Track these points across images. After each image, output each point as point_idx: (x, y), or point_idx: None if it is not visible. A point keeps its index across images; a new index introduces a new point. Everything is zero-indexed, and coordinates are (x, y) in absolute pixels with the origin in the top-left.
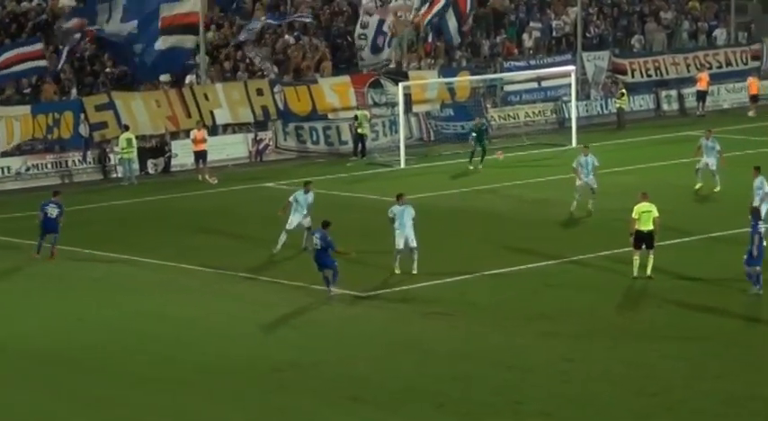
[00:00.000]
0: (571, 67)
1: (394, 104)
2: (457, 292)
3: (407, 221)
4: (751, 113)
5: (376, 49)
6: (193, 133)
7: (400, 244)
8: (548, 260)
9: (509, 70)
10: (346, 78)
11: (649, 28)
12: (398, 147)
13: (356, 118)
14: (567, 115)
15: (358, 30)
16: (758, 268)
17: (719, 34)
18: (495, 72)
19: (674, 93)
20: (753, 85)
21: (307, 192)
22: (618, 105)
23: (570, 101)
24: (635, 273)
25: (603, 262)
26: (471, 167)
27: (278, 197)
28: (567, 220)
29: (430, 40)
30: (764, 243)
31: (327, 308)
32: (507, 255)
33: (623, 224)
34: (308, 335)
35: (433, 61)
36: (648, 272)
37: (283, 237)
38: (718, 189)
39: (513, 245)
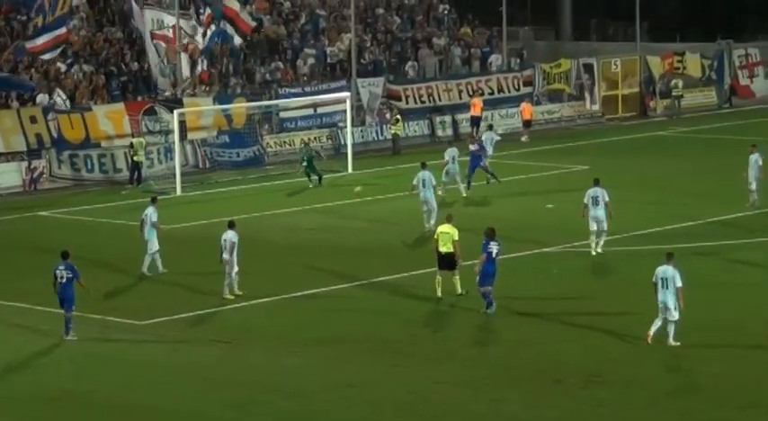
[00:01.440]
0: (346, 94)
1: (168, 132)
2: (242, 318)
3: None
4: (524, 139)
5: (161, 79)
6: None
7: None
8: (338, 284)
9: (284, 97)
10: (120, 106)
11: (422, 54)
12: (174, 175)
13: (131, 145)
14: (342, 141)
15: (154, 57)
16: (489, 288)
17: (495, 60)
18: (270, 99)
19: (448, 118)
20: (526, 110)
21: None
22: (393, 131)
23: (346, 127)
24: (438, 294)
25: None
26: (311, 186)
27: (53, 226)
28: (354, 247)
29: (204, 67)
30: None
31: (106, 336)
32: (294, 281)
33: (406, 249)
34: (84, 363)
35: (207, 88)
36: (459, 290)
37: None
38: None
39: (297, 271)
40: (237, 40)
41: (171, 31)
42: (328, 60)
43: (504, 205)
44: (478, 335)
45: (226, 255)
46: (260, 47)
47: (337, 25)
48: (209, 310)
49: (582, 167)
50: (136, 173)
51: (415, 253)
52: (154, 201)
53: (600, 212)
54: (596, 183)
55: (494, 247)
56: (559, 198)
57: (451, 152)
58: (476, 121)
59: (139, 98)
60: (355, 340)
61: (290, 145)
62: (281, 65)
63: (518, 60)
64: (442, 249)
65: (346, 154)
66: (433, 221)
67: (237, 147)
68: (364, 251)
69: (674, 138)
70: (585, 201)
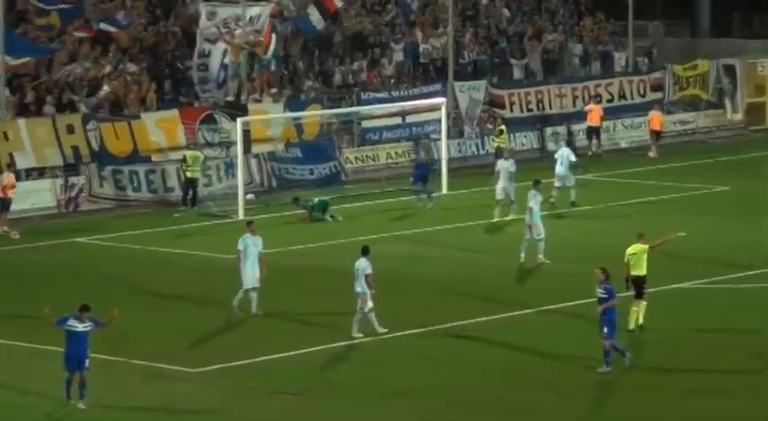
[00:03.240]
0: (441, 100)
1: (230, 144)
2: (315, 366)
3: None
4: (651, 154)
5: (221, 83)
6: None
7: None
8: (423, 326)
9: (368, 103)
10: (174, 113)
11: (532, 53)
12: (236, 195)
13: (184, 159)
14: (436, 156)
15: (195, 59)
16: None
17: (618, 60)
18: (351, 105)
19: (561, 129)
20: (655, 119)
21: (253, 233)
22: (496, 144)
23: (440, 139)
24: (631, 326)
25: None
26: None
27: (92, 254)
28: (445, 281)
29: (273, 67)
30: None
31: (150, 384)
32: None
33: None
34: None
35: (277, 92)
36: (640, 320)
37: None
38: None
39: (378, 309)
40: (318, 23)
41: (223, 24)
42: (420, 60)
43: (620, 231)
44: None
45: (358, 288)
46: (340, 43)
47: (432, 18)
48: (277, 356)
49: (721, 188)
50: (190, 192)
51: (516, 290)
52: (249, 224)
53: None
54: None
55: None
56: (694, 224)
57: (564, 153)
58: (594, 132)
59: (196, 104)
60: (443, 393)
61: (374, 160)
62: (364, 65)
63: (646, 60)
64: (634, 273)
65: (440, 171)
66: (540, 254)
67: (311, 162)
68: (456, 286)
69: None
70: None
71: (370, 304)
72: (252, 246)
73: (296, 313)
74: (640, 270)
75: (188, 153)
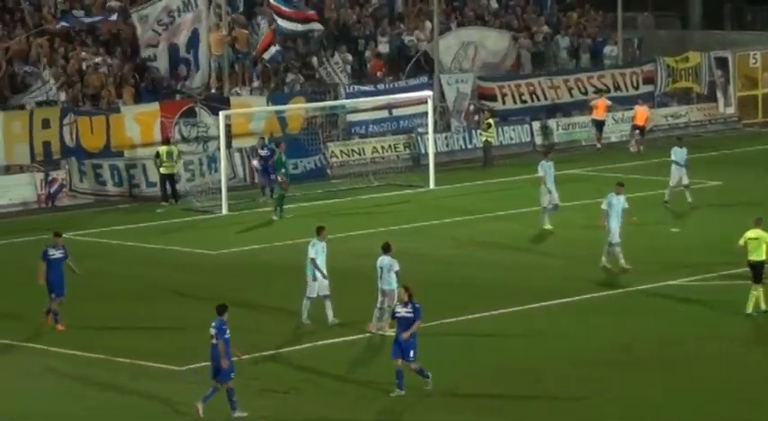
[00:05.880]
0: (428, 93)
1: (207, 139)
2: (309, 362)
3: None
4: (632, 149)
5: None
6: None
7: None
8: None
9: (353, 96)
10: (154, 106)
11: (522, 44)
12: (219, 190)
13: (157, 154)
14: (423, 150)
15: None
16: None
17: (609, 52)
18: (335, 98)
19: (552, 122)
20: (639, 114)
21: (322, 239)
22: (484, 138)
23: (427, 133)
24: (749, 310)
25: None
26: (275, 217)
27: (73, 251)
28: (431, 275)
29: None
30: None
31: (137, 382)
32: (363, 315)
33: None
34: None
35: (260, 85)
36: (762, 306)
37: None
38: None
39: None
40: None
41: (158, 23)
42: (406, 52)
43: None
44: None
45: (385, 286)
46: (323, 35)
47: (418, 8)
48: (266, 353)
49: (714, 183)
50: (168, 187)
51: (514, 286)
52: (320, 230)
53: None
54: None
55: None
56: (686, 220)
57: (679, 153)
58: (599, 126)
59: (178, 97)
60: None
61: (360, 154)
62: (349, 57)
63: (637, 52)
64: (752, 257)
65: (427, 166)
66: (622, 261)
67: (295, 156)
68: (444, 283)
69: None
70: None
71: (396, 303)
72: (321, 253)
73: (287, 311)
74: (759, 255)
75: (161, 149)
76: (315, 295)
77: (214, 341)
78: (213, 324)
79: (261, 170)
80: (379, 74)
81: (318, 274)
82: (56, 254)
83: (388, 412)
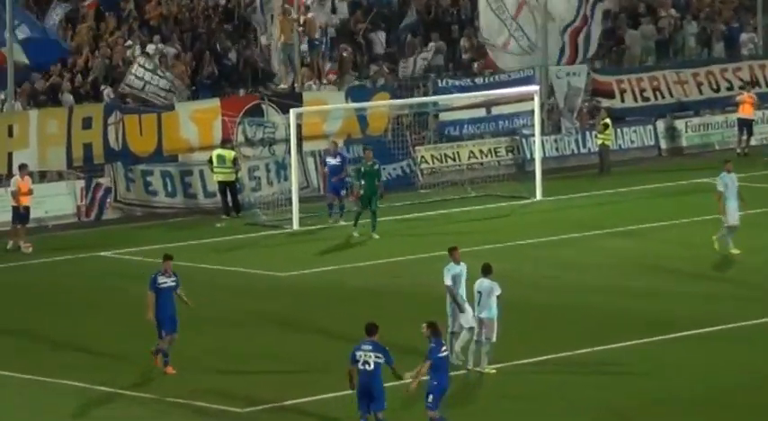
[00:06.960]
0: (534, 88)
1: (273, 141)
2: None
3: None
4: (738, 149)
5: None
6: (15, 181)
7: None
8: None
9: (446, 92)
10: (214, 103)
11: (644, 31)
12: (289, 201)
13: (210, 160)
14: (528, 155)
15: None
16: None
17: (747, 40)
18: (426, 94)
19: (680, 123)
20: (746, 104)
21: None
22: (600, 141)
23: (533, 135)
24: None
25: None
26: (356, 234)
27: (118, 272)
28: (537, 303)
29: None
30: None
31: None
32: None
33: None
34: None
35: (336, 79)
36: None
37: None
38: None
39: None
40: None
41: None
42: None
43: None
44: None
45: (483, 314)
46: (414, 23)
47: None
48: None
49: None
50: (229, 198)
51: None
52: (452, 251)
53: None
54: None
55: None
56: None
57: None
58: (746, 126)
59: (241, 92)
60: None
61: (455, 160)
62: (443, 46)
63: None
64: None
65: (533, 173)
66: (731, 245)
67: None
68: (552, 309)
69: None
70: None
71: (495, 334)
72: (461, 278)
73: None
74: None
75: (214, 152)
76: (457, 329)
77: (369, 367)
78: (368, 347)
79: (330, 183)
80: (476, 65)
81: (466, 306)
82: (167, 282)
83: None
